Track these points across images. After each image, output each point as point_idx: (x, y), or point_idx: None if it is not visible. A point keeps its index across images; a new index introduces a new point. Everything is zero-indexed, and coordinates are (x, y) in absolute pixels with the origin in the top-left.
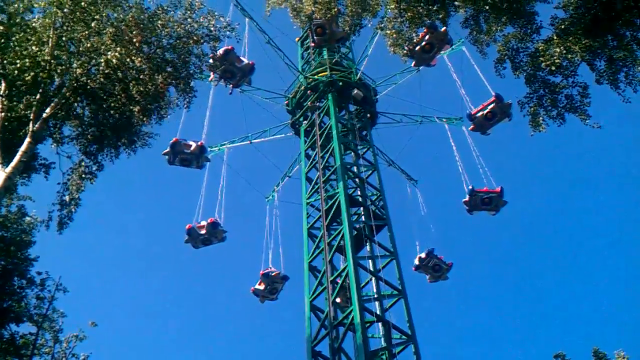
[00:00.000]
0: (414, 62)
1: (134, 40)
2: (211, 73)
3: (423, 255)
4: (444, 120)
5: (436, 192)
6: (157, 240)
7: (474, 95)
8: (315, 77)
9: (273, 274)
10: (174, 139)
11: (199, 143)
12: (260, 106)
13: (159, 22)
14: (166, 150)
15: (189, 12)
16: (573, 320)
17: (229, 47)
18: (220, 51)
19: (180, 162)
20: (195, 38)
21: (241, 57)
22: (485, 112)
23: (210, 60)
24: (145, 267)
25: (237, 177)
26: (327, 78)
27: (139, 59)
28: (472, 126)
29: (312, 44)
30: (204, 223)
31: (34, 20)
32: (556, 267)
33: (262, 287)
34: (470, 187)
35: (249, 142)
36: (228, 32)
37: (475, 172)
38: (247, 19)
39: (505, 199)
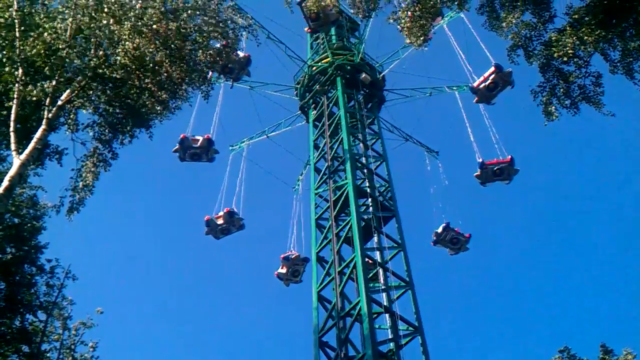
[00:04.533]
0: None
1: (160, 30)
2: (209, 71)
3: (439, 230)
4: (455, 89)
5: (450, 164)
6: (173, 231)
7: (479, 61)
8: (318, 63)
9: (293, 257)
10: (182, 135)
11: (206, 136)
12: (271, 100)
13: (183, 15)
14: (176, 147)
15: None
16: (581, 315)
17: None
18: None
19: (191, 157)
20: (216, 33)
21: (237, 52)
22: (487, 83)
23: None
24: (159, 257)
25: (257, 171)
26: (329, 63)
27: (156, 47)
28: (476, 98)
29: (308, 30)
30: (221, 214)
31: (55, 9)
32: (568, 251)
33: (284, 270)
34: (480, 161)
35: (266, 136)
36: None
37: (489, 141)
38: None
39: (517, 167)
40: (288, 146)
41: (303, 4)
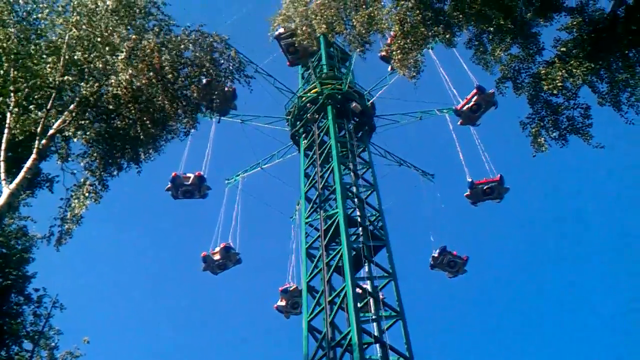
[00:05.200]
0: (390, 67)
1: (154, 61)
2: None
3: (436, 254)
4: (445, 111)
5: (443, 186)
6: (168, 265)
7: (464, 83)
8: (307, 94)
9: (291, 289)
10: (173, 173)
11: (197, 173)
12: (263, 133)
13: (175, 51)
14: (168, 186)
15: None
16: (580, 338)
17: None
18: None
19: (183, 194)
20: (209, 68)
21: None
22: (470, 104)
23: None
24: (152, 290)
25: (254, 203)
26: (317, 94)
27: (149, 79)
28: (460, 121)
29: (288, 64)
30: (217, 249)
31: (51, 40)
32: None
33: (284, 303)
34: (469, 180)
35: (260, 168)
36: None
37: (480, 162)
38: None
39: (507, 185)
40: (283, 176)
41: (282, 36)
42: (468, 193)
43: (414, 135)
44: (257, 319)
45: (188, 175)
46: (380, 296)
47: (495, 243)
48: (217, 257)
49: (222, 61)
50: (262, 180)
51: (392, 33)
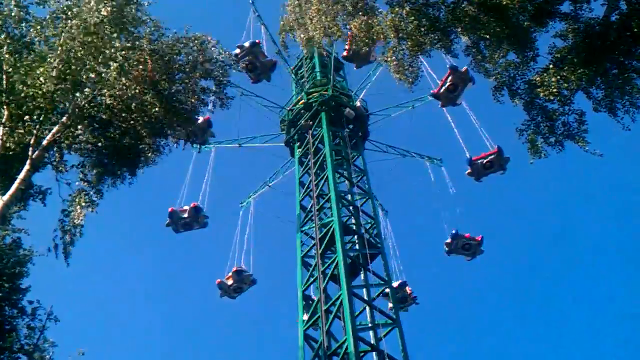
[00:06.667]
0: (355, 66)
1: (147, 70)
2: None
3: (449, 239)
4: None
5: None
6: (167, 280)
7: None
8: (295, 107)
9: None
10: (170, 208)
11: (192, 205)
12: (263, 152)
13: (167, 57)
14: (167, 222)
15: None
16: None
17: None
18: None
19: (183, 227)
20: (202, 72)
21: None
22: (447, 86)
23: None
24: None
25: (270, 221)
26: (305, 104)
27: (142, 88)
28: (440, 103)
29: (251, 82)
30: (230, 274)
31: (43, 50)
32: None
33: (305, 318)
34: (467, 157)
35: (268, 187)
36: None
37: (480, 139)
38: None
39: (507, 155)
40: (292, 191)
41: (238, 56)
42: (469, 171)
43: (409, 125)
44: (282, 336)
45: (184, 207)
46: (408, 290)
47: (508, 220)
48: (230, 281)
49: (215, 60)
50: (274, 197)
51: (349, 33)
